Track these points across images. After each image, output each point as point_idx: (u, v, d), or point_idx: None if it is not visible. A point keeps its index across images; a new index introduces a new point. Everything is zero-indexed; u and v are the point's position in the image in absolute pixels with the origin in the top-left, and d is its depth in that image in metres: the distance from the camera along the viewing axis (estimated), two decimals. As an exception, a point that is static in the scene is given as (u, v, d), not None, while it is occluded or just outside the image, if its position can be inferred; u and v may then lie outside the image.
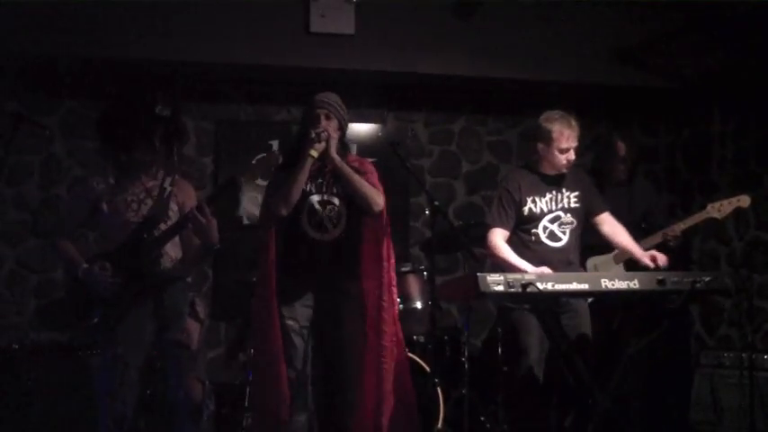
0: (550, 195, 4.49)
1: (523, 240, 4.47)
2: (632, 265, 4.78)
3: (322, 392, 4.06)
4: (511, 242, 4.46)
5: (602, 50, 6.11)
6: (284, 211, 3.89)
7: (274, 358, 3.89)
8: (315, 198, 3.99)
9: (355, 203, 4.00)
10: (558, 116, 4.44)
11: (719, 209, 4.92)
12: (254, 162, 4.01)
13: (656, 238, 5.01)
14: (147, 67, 5.75)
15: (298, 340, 3.92)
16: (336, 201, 4.00)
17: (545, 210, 4.47)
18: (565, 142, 4.39)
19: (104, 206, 4.00)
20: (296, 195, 3.89)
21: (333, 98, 4.04)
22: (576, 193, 4.52)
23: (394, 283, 4.09)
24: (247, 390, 4.92)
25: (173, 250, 4.06)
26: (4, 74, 5.77)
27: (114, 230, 3.99)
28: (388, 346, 4.00)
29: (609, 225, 4.58)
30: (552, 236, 4.47)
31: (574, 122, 4.42)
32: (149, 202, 4.02)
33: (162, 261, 4.01)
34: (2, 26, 5.29)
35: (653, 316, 4.38)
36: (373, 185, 4.02)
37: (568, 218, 4.49)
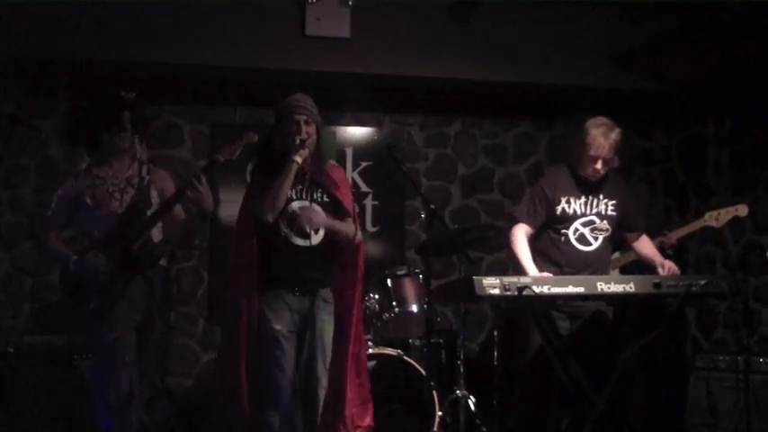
0: (586, 199, 4.48)
1: (553, 239, 4.49)
2: (627, 270, 4.77)
3: (301, 395, 4.04)
4: (540, 239, 4.48)
5: (599, 54, 6.11)
6: (271, 217, 3.89)
7: (236, 361, 3.90)
8: (295, 204, 3.97)
9: (336, 209, 4.05)
10: (600, 122, 4.42)
11: (717, 218, 4.94)
12: (230, 141, 4.01)
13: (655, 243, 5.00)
14: (144, 70, 5.75)
15: (287, 345, 3.90)
16: (317, 207, 4.00)
17: (578, 212, 4.46)
18: (595, 151, 4.36)
19: (87, 200, 4.07)
20: (282, 201, 3.89)
21: (309, 102, 4.02)
22: (614, 202, 4.51)
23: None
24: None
25: (155, 234, 4.14)
26: (0, 77, 5.74)
27: (100, 221, 4.05)
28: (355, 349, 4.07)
29: (640, 243, 4.63)
30: (582, 239, 4.46)
31: (614, 135, 4.37)
32: (131, 190, 4.11)
33: (149, 243, 4.09)
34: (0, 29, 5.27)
35: (649, 319, 4.36)
36: (347, 199, 4.11)
37: (603, 224, 4.48)
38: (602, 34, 6.10)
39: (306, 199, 3.99)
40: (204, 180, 3.98)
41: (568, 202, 4.45)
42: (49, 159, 6.07)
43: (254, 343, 3.90)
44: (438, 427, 4.91)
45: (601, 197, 4.49)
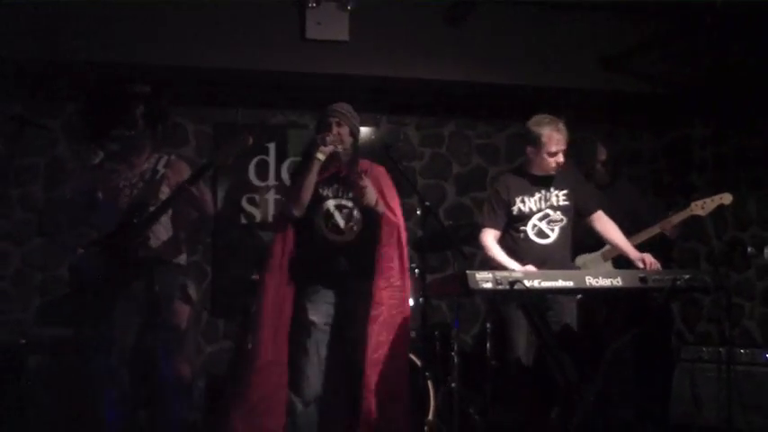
0: (539, 195, 4.51)
1: (514, 238, 4.50)
2: (621, 262, 4.81)
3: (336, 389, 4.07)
4: (503, 241, 4.50)
5: (589, 57, 6.14)
6: (296, 212, 3.96)
7: (280, 355, 3.93)
8: (331, 202, 4.05)
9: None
10: (547, 120, 4.46)
11: (703, 206, 4.95)
12: (225, 144, 4.03)
13: (642, 235, 5.02)
14: (149, 71, 5.74)
15: (319, 335, 3.97)
16: (351, 204, 4.06)
17: (534, 209, 4.49)
18: (554, 146, 4.41)
19: (99, 194, 4.05)
20: (306, 196, 3.95)
21: (345, 107, 4.14)
22: (565, 192, 4.54)
23: (404, 286, 4.11)
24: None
25: (162, 231, 4.08)
26: (9, 78, 5.76)
27: (109, 217, 4.01)
28: (392, 344, 4.03)
29: (601, 223, 4.59)
30: (540, 233, 4.48)
31: (562, 126, 4.44)
32: (141, 185, 4.05)
33: (150, 243, 4.01)
34: (6, 31, 5.28)
35: (636, 312, 4.40)
36: (381, 190, 4.10)
37: (557, 215, 4.50)
38: (592, 38, 6.11)
39: (341, 197, 4.06)
40: (201, 185, 3.99)
41: (523, 201, 4.49)
42: (58, 158, 6.08)
43: (281, 333, 3.95)
44: (433, 416, 4.94)
45: (552, 190, 4.52)
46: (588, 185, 4.74)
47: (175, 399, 4.07)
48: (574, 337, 4.42)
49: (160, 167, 4.10)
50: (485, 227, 4.54)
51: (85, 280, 3.94)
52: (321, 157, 3.94)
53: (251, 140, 4.02)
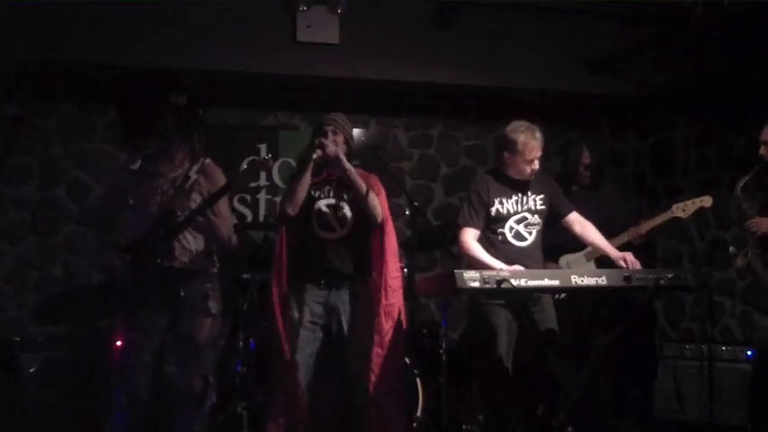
0: (516, 198, 4.50)
1: (491, 240, 4.48)
2: (603, 262, 4.80)
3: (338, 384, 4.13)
4: (479, 241, 4.48)
5: (574, 60, 6.16)
6: (291, 211, 4.06)
7: (286, 356, 3.99)
8: (322, 202, 4.15)
9: (359, 208, 4.13)
10: (523, 128, 4.41)
11: (684, 209, 4.97)
12: (245, 167, 4.05)
13: (623, 237, 5.05)
14: (141, 73, 5.72)
15: (305, 333, 4.01)
16: (342, 204, 4.15)
17: (511, 211, 4.48)
18: (529, 153, 4.38)
19: (130, 199, 4.01)
20: (301, 196, 4.05)
21: (340, 117, 4.28)
22: (542, 196, 4.54)
23: (392, 284, 4.14)
24: (237, 380, 4.93)
25: (193, 242, 4.01)
26: (4, 78, 5.73)
27: (138, 222, 3.97)
28: (386, 343, 4.07)
29: (579, 224, 4.60)
30: (518, 236, 4.47)
31: (538, 134, 4.41)
32: (172, 193, 3.99)
33: (177, 254, 3.96)
34: (1, 31, 5.25)
35: (620, 311, 4.40)
36: (377, 196, 4.17)
37: (535, 219, 4.51)
38: (579, 43, 6.13)
39: (333, 197, 4.16)
40: (219, 205, 3.98)
41: (501, 202, 4.47)
42: (52, 158, 6.04)
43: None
44: (421, 413, 4.95)
45: (529, 194, 4.51)
46: (560, 189, 4.72)
47: (185, 409, 4.01)
48: (555, 333, 4.41)
49: (192, 174, 4.01)
50: (465, 226, 4.49)
51: (115, 285, 4.00)
52: (314, 156, 4.04)
53: (271, 164, 4.05)
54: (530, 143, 4.37)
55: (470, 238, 4.45)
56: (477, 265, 4.27)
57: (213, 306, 4.04)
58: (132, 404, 3.92)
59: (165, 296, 3.93)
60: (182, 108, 4.02)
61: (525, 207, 4.50)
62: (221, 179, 4.09)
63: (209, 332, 4.05)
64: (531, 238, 4.49)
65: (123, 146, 5.65)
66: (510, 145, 4.43)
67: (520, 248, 4.45)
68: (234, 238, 4.16)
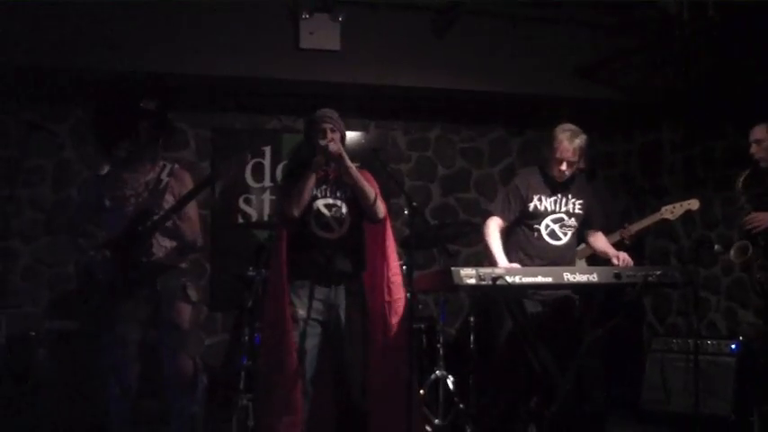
0: (555, 198, 4.53)
1: (526, 234, 4.54)
2: (593, 260, 4.87)
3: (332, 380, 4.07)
4: (515, 233, 4.53)
5: (565, 67, 6.20)
6: (296, 212, 3.92)
7: (287, 352, 3.92)
8: (320, 202, 4.03)
9: (359, 206, 4.06)
10: (567, 129, 4.47)
11: (672, 211, 5.04)
12: (226, 161, 4.03)
13: (614, 236, 5.11)
14: (151, 79, 5.75)
15: (306, 329, 3.94)
16: (340, 204, 4.04)
17: (548, 209, 4.52)
18: (560, 153, 4.41)
19: (107, 202, 4.05)
20: (307, 198, 3.94)
21: (335, 114, 4.11)
22: (581, 201, 4.57)
23: (395, 280, 4.12)
24: (242, 373, 4.95)
25: (167, 240, 4.09)
26: (19, 85, 5.78)
27: (116, 223, 4.02)
28: (393, 340, 4.03)
29: (595, 237, 4.69)
30: (553, 234, 4.52)
31: (578, 140, 4.43)
32: (146, 194, 4.06)
33: (154, 251, 4.05)
34: (18, 42, 5.29)
35: (610, 306, 4.44)
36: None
37: (572, 221, 4.54)
38: (568, 49, 6.18)
39: (330, 197, 4.06)
40: (187, 209, 4.02)
41: (540, 199, 4.50)
42: (65, 161, 6.09)
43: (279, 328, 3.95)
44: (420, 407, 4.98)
45: (569, 196, 4.54)
46: (602, 202, 4.76)
47: (178, 392, 4.08)
48: (553, 328, 4.46)
49: (164, 176, 4.09)
50: (493, 214, 4.54)
51: (94, 280, 3.95)
52: (322, 159, 3.96)
53: (249, 158, 4.02)
54: (563, 143, 4.40)
55: (493, 225, 4.48)
56: (486, 252, 4.38)
57: (192, 294, 4.16)
58: (125, 394, 3.99)
59: (145, 289, 4.01)
60: (152, 113, 4.07)
61: (564, 208, 4.54)
62: (190, 183, 4.18)
63: (190, 317, 4.16)
64: (565, 239, 4.53)
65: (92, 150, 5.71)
66: (550, 140, 4.47)
67: (554, 247, 4.51)
68: (200, 240, 4.24)
